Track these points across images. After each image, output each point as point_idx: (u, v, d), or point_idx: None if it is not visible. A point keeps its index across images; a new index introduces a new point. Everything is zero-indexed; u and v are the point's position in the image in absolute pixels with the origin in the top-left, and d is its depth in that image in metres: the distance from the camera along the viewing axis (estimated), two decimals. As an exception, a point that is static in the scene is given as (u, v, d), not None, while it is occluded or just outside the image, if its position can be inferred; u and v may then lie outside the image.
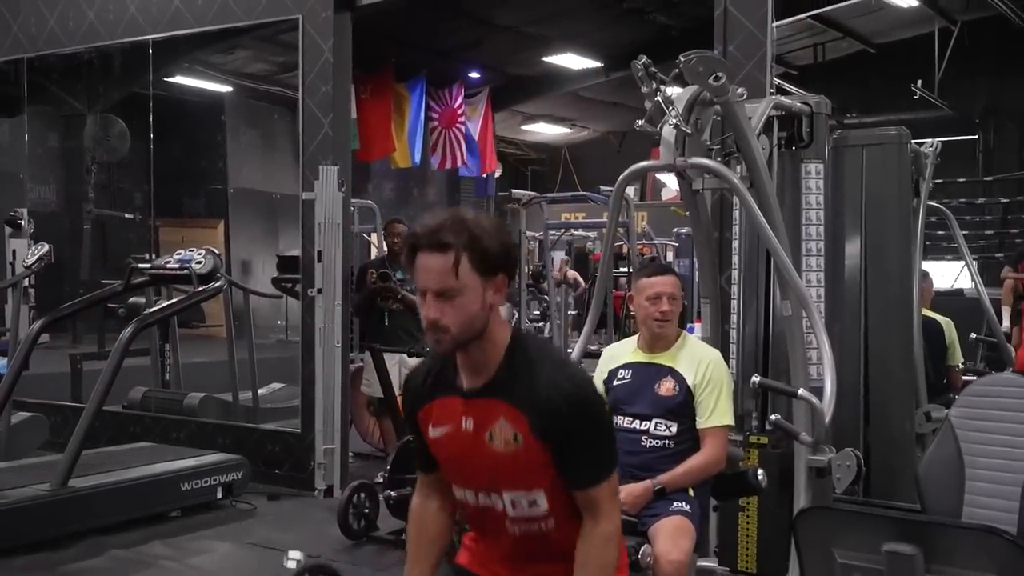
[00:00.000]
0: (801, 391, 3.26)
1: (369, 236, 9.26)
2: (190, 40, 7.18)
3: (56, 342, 8.71)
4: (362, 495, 5.18)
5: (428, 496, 2.33)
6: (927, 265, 5.62)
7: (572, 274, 11.21)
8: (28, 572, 4.70)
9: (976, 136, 13.62)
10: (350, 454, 6.33)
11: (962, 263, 6.47)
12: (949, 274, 7.69)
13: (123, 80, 8.08)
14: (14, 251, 7.57)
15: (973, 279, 6.03)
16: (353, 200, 6.67)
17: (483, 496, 2.15)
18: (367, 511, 5.16)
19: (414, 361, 5.20)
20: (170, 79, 8.44)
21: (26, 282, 6.83)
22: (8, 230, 7.79)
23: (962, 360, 5.57)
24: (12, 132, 8.49)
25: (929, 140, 5.02)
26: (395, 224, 6.85)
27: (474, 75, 12.65)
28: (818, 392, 3.25)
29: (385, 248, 7.04)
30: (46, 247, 6.54)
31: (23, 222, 7.75)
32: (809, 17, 10.93)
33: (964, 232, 6.39)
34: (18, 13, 7.82)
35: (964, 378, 5.25)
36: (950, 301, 6.44)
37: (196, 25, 6.89)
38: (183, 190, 12.11)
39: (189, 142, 11.57)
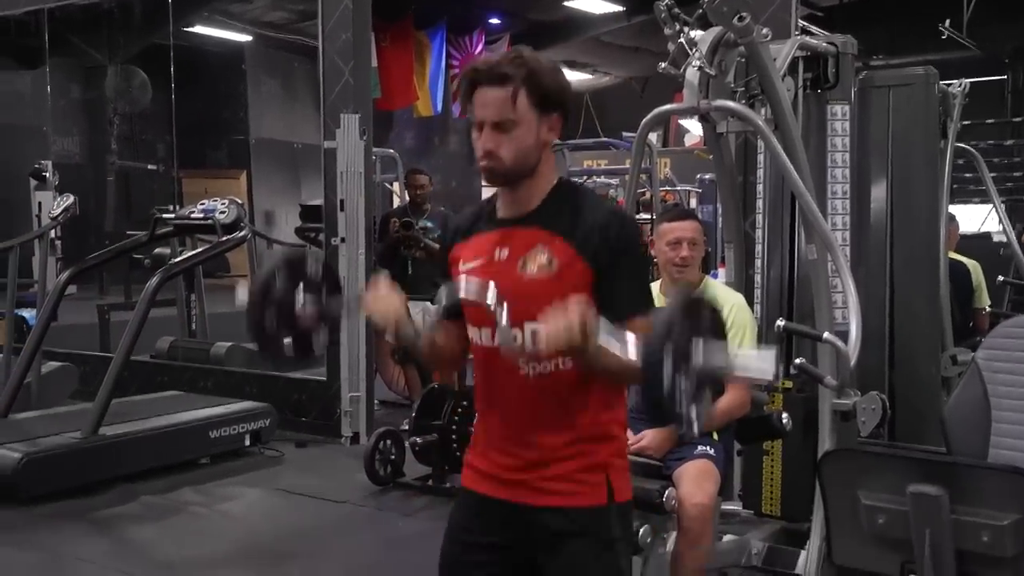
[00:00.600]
0: (826, 334, 3.25)
1: (391, 185, 9.25)
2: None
3: (83, 293, 8.80)
4: (388, 442, 5.23)
5: (447, 338, 2.22)
6: (954, 208, 5.56)
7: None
8: (60, 518, 4.78)
9: (1005, 76, 13.40)
10: (376, 402, 6.38)
11: (990, 206, 6.39)
12: (977, 217, 7.60)
13: (143, 30, 8.07)
14: (40, 203, 7.63)
15: (1001, 221, 5.96)
16: (375, 149, 6.64)
17: None
18: (393, 457, 5.21)
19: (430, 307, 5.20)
20: (190, 29, 8.41)
21: (52, 234, 6.88)
22: (33, 182, 7.83)
23: (989, 303, 5.53)
24: (34, 84, 8.51)
25: (957, 81, 4.93)
26: (416, 175, 6.83)
27: (494, 21, 12.52)
28: (843, 336, 3.24)
29: (407, 197, 7.03)
30: (71, 199, 6.58)
31: (48, 174, 7.80)
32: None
33: (992, 174, 6.32)
34: (36, -37, 7.80)
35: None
36: (978, 244, 6.38)
37: (214, -27, 6.84)
38: (205, 141, 12.10)
39: (210, 92, 11.53)
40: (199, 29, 9.90)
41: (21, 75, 8.84)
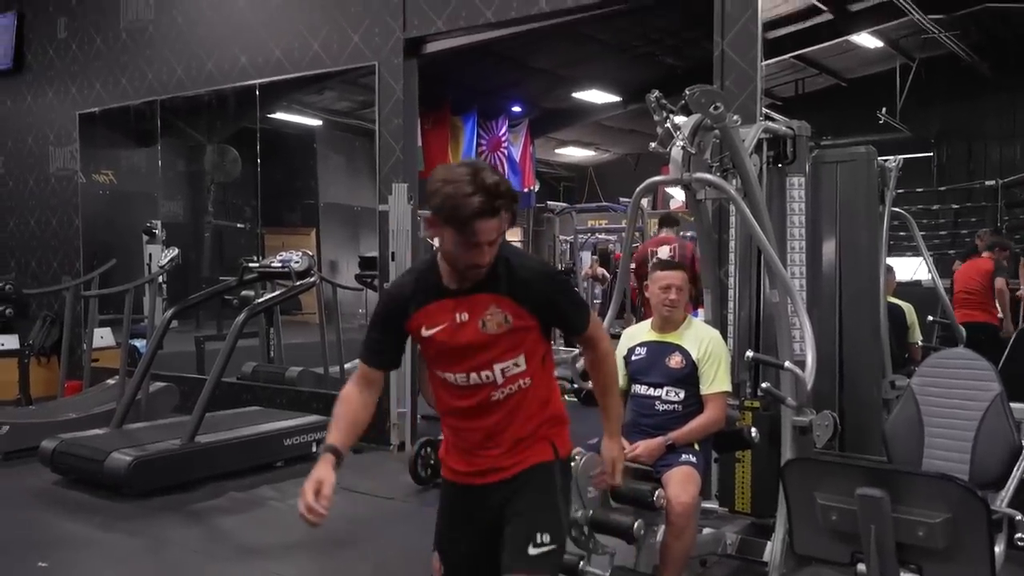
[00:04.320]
0: (787, 363, 3.23)
1: (431, 240, 9.26)
2: (289, 84, 7.24)
3: (183, 327, 8.81)
4: (428, 449, 5.21)
5: (366, 388, 2.21)
6: (891, 260, 5.52)
7: (600, 271, 11.16)
8: (164, 510, 4.78)
9: (931, 154, 13.34)
10: (419, 416, 6.37)
11: (920, 258, 6.35)
12: (909, 267, 7.54)
13: (235, 116, 8.16)
14: (150, 255, 7.70)
15: (930, 271, 5.92)
16: (420, 211, 6.68)
17: (475, 375, 2.10)
18: (432, 462, 5.19)
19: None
20: (272, 115, 8.50)
21: (160, 279, 6.95)
22: (145, 238, 7.92)
23: (921, 338, 5.48)
24: (148, 159, 8.63)
25: (892, 157, 4.93)
26: None
27: (516, 109, 12.59)
28: (801, 364, 3.22)
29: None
30: (175, 251, 6.64)
31: (157, 231, 7.88)
32: (792, 57, 10.79)
33: (922, 233, 6.27)
34: (152, 63, 7.95)
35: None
36: (910, 290, 6.31)
37: (293, 71, 6.96)
38: (283, 204, 12.16)
39: (288, 166, 11.63)
40: (280, 115, 10.01)
41: (138, 152, 8.95)
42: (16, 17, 8.98)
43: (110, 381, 6.87)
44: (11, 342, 7.91)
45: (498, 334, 2.06)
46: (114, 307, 7.27)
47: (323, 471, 2.07)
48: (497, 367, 2.09)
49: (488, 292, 2.06)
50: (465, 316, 2.07)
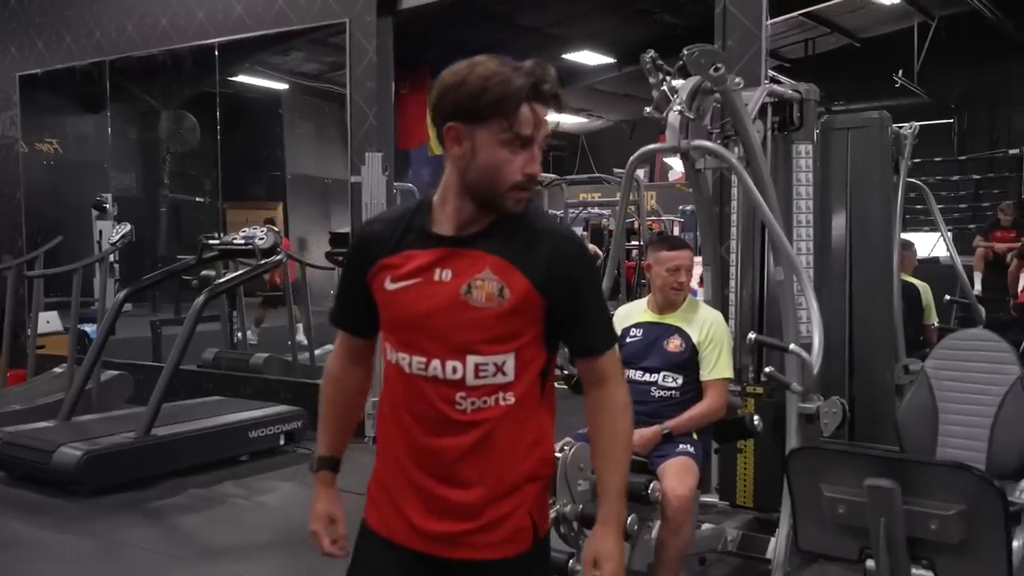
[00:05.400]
0: (792, 346, 3.26)
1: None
2: (251, 43, 7.18)
3: (138, 310, 8.80)
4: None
5: (352, 362, 1.86)
6: (907, 235, 5.56)
7: (591, 247, 11.20)
8: (118, 509, 4.78)
9: (952, 120, 13.41)
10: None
11: (938, 234, 6.39)
12: (926, 243, 7.60)
13: (193, 79, 8.10)
14: (100, 231, 7.64)
15: (948, 248, 5.96)
16: (395, 183, 6.66)
17: (436, 364, 1.64)
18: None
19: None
20: (234, 78, 8.45)
21: (111, 258, 6.90)
22: (95, 212, 7.86)
23: (937, 320, 5.53)
24: (96, 126, 8.55)
25: (908, 124, 4.95)
26: None
27: (501, 71, 12.57)
28: (807, 347, 3.25)
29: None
30: (128, 227, 6.59)
31: (108, 206, 7.82)
32: (800, 15, 10.79)
33: (940, 206, 6.32)
34: (100, 19, 7.86)
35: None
36: (926, 267, 6.37)
37: (256, 29, 6.90)
38: (246, 176, 12.12)
39: (251, 134, 11.57)
40: (242, 78, 9.94)
41: (86, 118, 8.88)
42: (-52, -31, 8.84)
43: (57, 369, 6.84)
44: (-52, 328, 7.84)
45: (483, 310, 1.60)
46: (61, 289, 7.22)
47: (326, 502, 1.85)
48: (472, 360, 1.62)
49: (489, 250, 1.62)
50: (447, 274, 1.63)
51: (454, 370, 1.63)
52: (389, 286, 1.67)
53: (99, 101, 8.15)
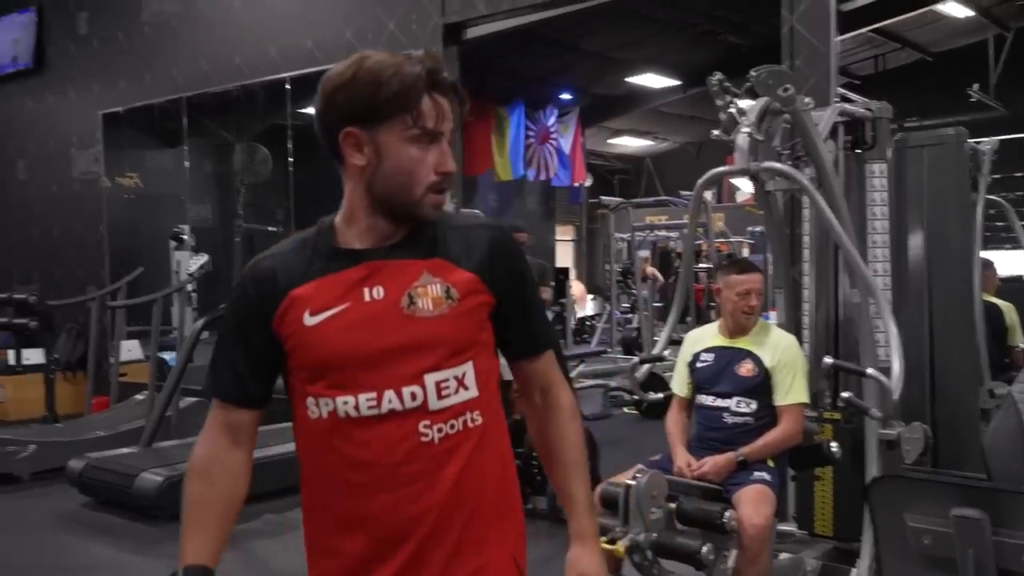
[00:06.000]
0: (870, 370, 3.18)
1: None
2: (321, 76, 7.33)
3: (215, 338, 9.00)
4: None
5: (235, 443, 1.53)
6: (988, 254, 5.40)
7: (651, 270, 11.13)
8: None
9: (1031, 134, 13.01)
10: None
11: (1020, 251, 6.19)
12: (1008, 262, 7.37)
13: (265, 113, 8.31)
14: (178, 261, 7.86)
15: (1031, 266, 5.77)
16: (461, 210, 6.71)
17: (393, 395, 1.40)
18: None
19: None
20: (304, 110, 8.64)
21: (189, 288, 7.07)
22: (173, 244, 8.09)
23: (1023, 341, 5.34)
24: (174, 160, 8.82)
25: (986, 139, 4.82)
26: (517, 232, 6.90)
27: (565, 96, 12.62)
28: (886, 371, 3.16)
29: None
30: (205, 258, 6.77)
31: (185, 237, 8.05)
32: (870, 31, 10.62)
33: (1022, 223, 6.12)
34: (177, 58, 8.13)
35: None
36: (1009, 287, 6.16)
37: (326, 63, 7.01)
38: (318, 205, 12.33)
39: (321, 164, 11.83)
40: (312, 110, 10.21)
41: (164, 153, 9.18)
42: (36, 13, 9.26)
43: (138, 397, 7.03)
44: (36, 356, 8.14)
45: (434, 319, 1.40)
46: (142, 318, 7.43)
47: None
48: (431, 379, 1.40)
49: (417, 255, 1.43)
50: (379, 291, 1.41)
51: (413, 396, 1.40)
52: (308, 321, 1.42)
53: (177, 136, 8.41)
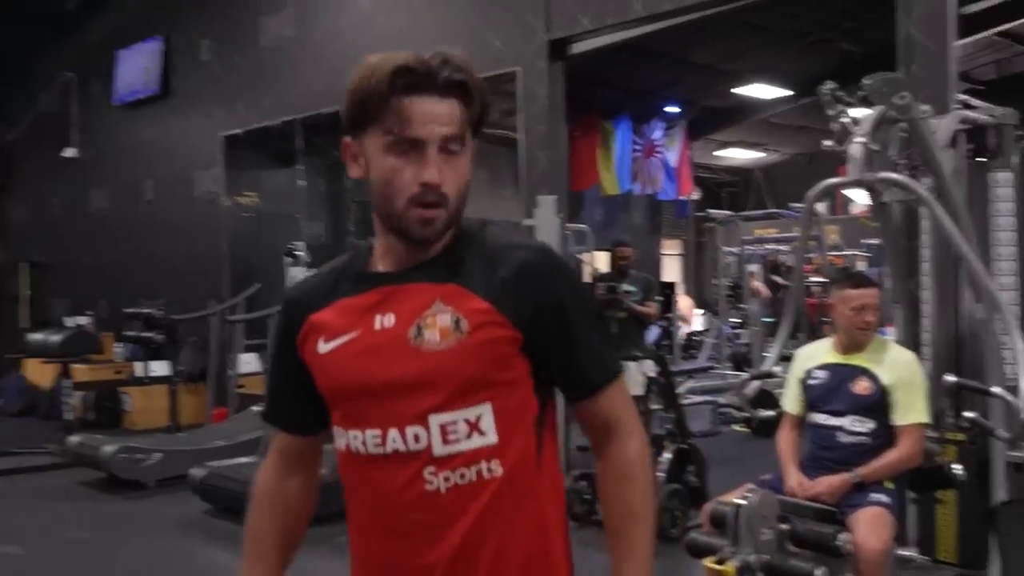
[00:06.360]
0: (996, 388, 3.04)
1: (580, 256, 9.30)
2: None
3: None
4: (584, 483, 5.20)
5: (291, 472, 1.45)
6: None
7: (757, 285, 10.88)
8: (309, 543, 4.87)
9: None
10: (575, 447, 6.37)
11: None
12: None
13: (376, 132, 8.52)
14: (293, 277, 8.10)
15: None
16: (568, 224, 6.73)
17: (397, 435, 1.25)
18: (587, 497, 5.18)
19: (635, 365, 5.10)
20: (411, 129, 8.88)
21: (303, 302, 7.28)
22: (287, 260, 8.36)
23: None
24: (289, 179, 9.13)
25: (1123, 143, 4.54)
26: (622, 247, 6.88)
27: (672, 109, 12.51)
28: (1014, 390, 3.01)
29: (611, 264, 7.04)
30: (318, 273, 6.94)
31: (299, 253, 8.30)
32: (992, 34, 10.15)
33: None
34: (292, 80, 8.45)
35: None
36: None
37: (433, 82, 7.18)
38: (426, 221, 12.61)
39: (429, 180, 12.06)
40: (420, 128, 10.41)
41: (280, 172, 9.51)
42: (163, 42, 9.77)
43: (255, 408, 7.28)
44: (162, 369, 8.54)
45: (440, 353, 1.24)
46: (260, 332, 7.71)
47: None
48: (436, 421, 1.24)
49: (434, 280, 1.27)
50: (389, 319, 1.27)
51: (416, 438, 1.24)
52: (322, 348, 1.31)
53: (292, 156, 8.72)
